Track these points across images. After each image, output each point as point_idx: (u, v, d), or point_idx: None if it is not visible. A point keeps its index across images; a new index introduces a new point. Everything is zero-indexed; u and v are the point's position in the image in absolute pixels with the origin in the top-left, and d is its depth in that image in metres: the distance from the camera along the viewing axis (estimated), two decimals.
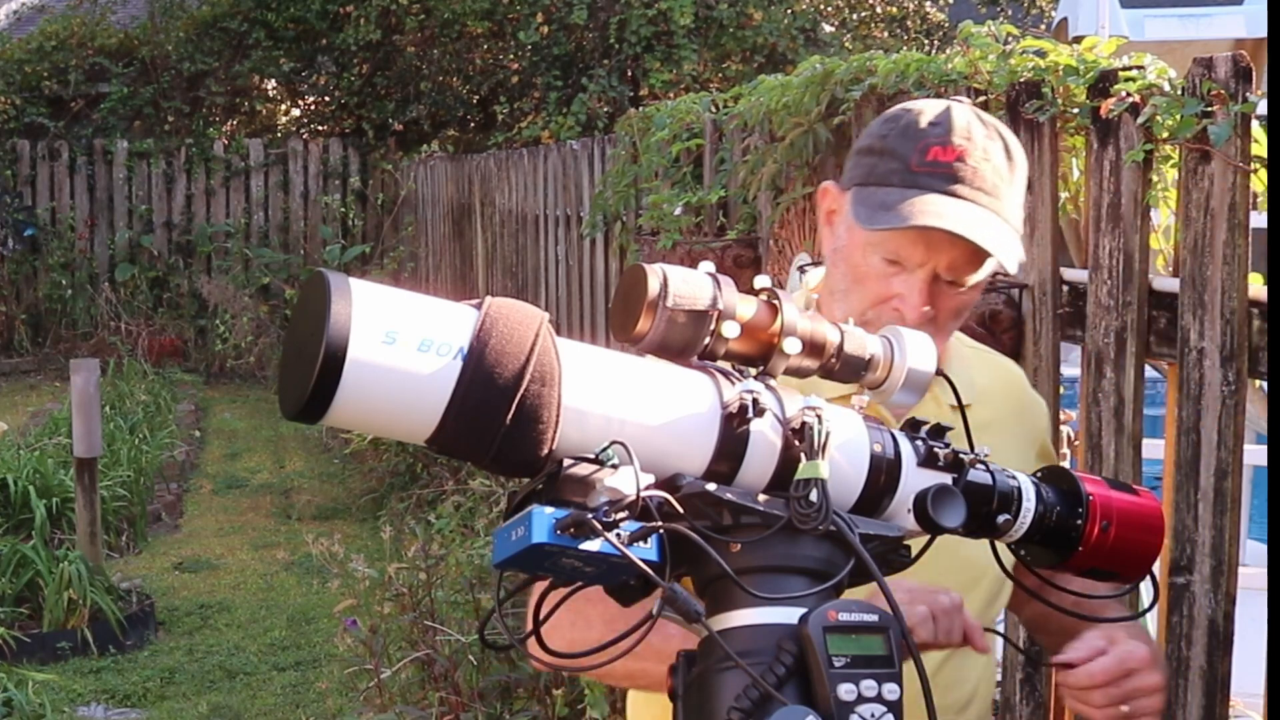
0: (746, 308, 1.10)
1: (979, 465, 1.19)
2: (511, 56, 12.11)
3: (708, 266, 1.10)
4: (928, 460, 1.16)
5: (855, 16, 12.41)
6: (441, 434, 1.02)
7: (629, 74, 11.08)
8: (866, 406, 1.16)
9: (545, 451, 1.03)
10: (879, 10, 12.63)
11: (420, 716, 3.77)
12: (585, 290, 6.70)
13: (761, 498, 1.08)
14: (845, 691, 1.00)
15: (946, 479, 1.17)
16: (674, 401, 1.07)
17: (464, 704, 3.74)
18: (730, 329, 1.08)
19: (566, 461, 1.02)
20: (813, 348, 1.12)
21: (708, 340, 1.08)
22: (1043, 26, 12.04)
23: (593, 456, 1.03)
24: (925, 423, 1.19)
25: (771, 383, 1.11)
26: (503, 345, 1.01)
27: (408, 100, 12.53)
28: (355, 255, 12.17)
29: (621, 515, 1.01)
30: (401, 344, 0.99)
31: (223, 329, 11.61)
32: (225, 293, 11.86)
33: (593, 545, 1.00)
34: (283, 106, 14.00)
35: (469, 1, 11.56)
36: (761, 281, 1.11)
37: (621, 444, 1.02)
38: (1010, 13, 12.71)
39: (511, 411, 1.01)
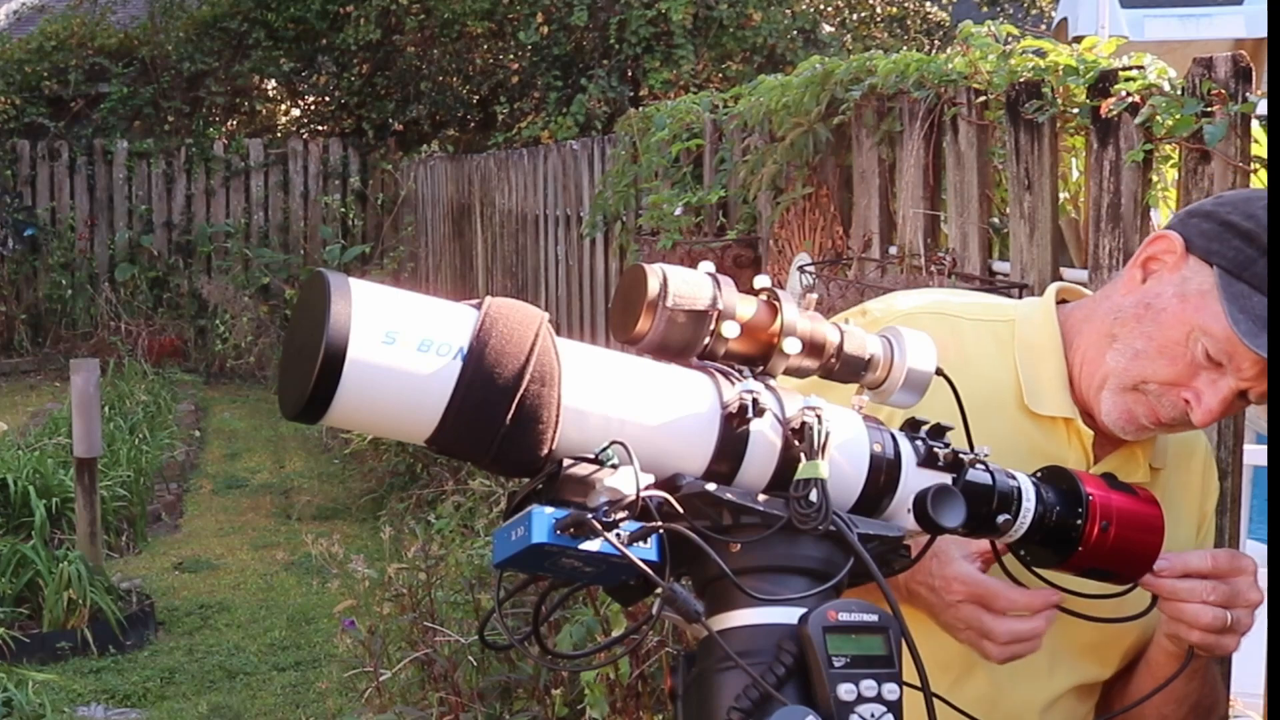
0: (746, 308, 1.10)
1: (978, 465, 1.19)
2: (511, 56, 12.11)
3: (708, 266, 1.10)
4: (928, 460, 1.16)
5: (855, 17, 12.40)
6: (441, 434, 1.02)
7: (629, 74, 11.07)
8: None
9: (545, 451, 1.03)
10: (879, 10, 12.62)
11: (420, 717, 3.77)
12: (585, 290, 6.70)
13: (761, 498, 1.08)
14: (845, 691, 1.00)
15: (946, 479, 1.17)
16: (674, 401, 1.07)
17: (464, 704, 3.74)
18: (730, 329, 1.08)
19: (566, 461, 1.02)
20: (812, 348, 1.12)
21: (708, 340, 1.08)
22: (1043, 26, 12.05)
23: (593, 456, 1.03)
24: (925, 422, 1.19)
25: (771, 383, 1.11)
26: (502, 345, 1.01)
27: (408, 100, 12.52)
28: (355, 255, 12.17)
29: (621, 515, 1.01)
30: (401, 344, 1.00)
31: (223, 329, 11.61)
32: (225, 293, 11.86)
33: (593, 545, 1.00)
34: (283, 106, 13.99)
35: (469, 1, 11.55)
36: (761, 281, 1.11)
37: (621, 444, 1.02)
38: (1010, 12, 12.71)
39: (511, 411, 1.01)
